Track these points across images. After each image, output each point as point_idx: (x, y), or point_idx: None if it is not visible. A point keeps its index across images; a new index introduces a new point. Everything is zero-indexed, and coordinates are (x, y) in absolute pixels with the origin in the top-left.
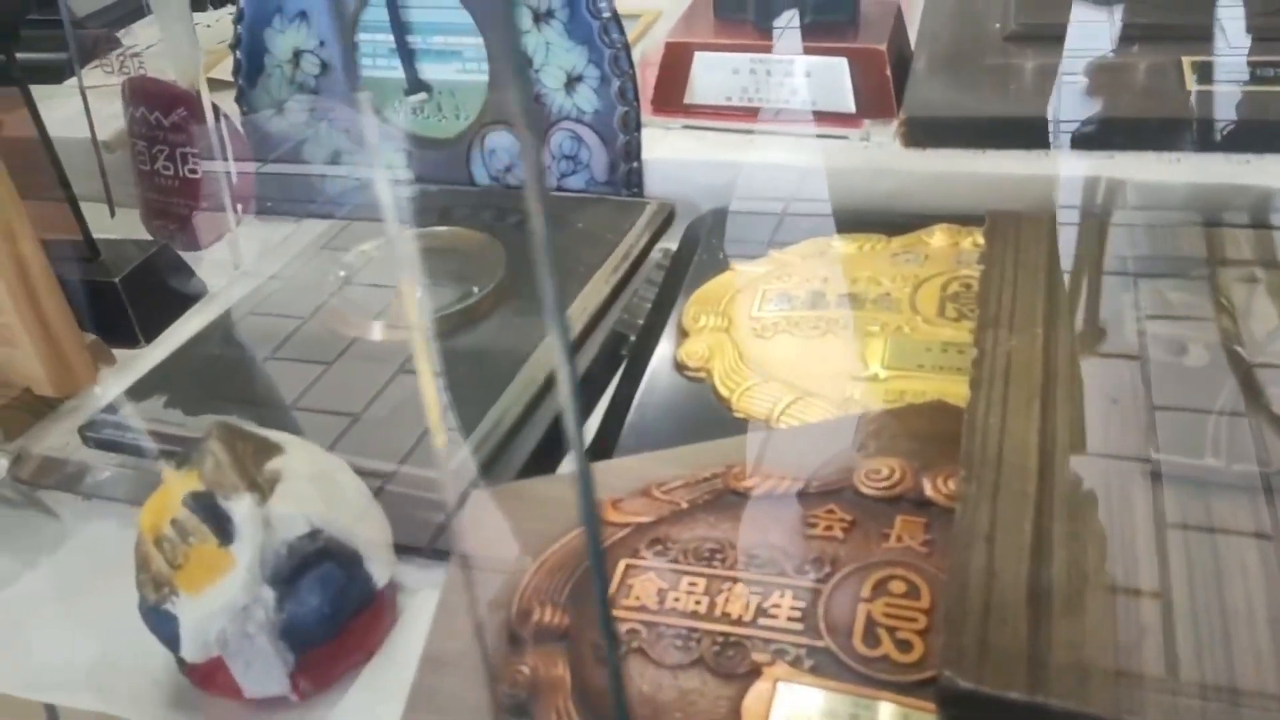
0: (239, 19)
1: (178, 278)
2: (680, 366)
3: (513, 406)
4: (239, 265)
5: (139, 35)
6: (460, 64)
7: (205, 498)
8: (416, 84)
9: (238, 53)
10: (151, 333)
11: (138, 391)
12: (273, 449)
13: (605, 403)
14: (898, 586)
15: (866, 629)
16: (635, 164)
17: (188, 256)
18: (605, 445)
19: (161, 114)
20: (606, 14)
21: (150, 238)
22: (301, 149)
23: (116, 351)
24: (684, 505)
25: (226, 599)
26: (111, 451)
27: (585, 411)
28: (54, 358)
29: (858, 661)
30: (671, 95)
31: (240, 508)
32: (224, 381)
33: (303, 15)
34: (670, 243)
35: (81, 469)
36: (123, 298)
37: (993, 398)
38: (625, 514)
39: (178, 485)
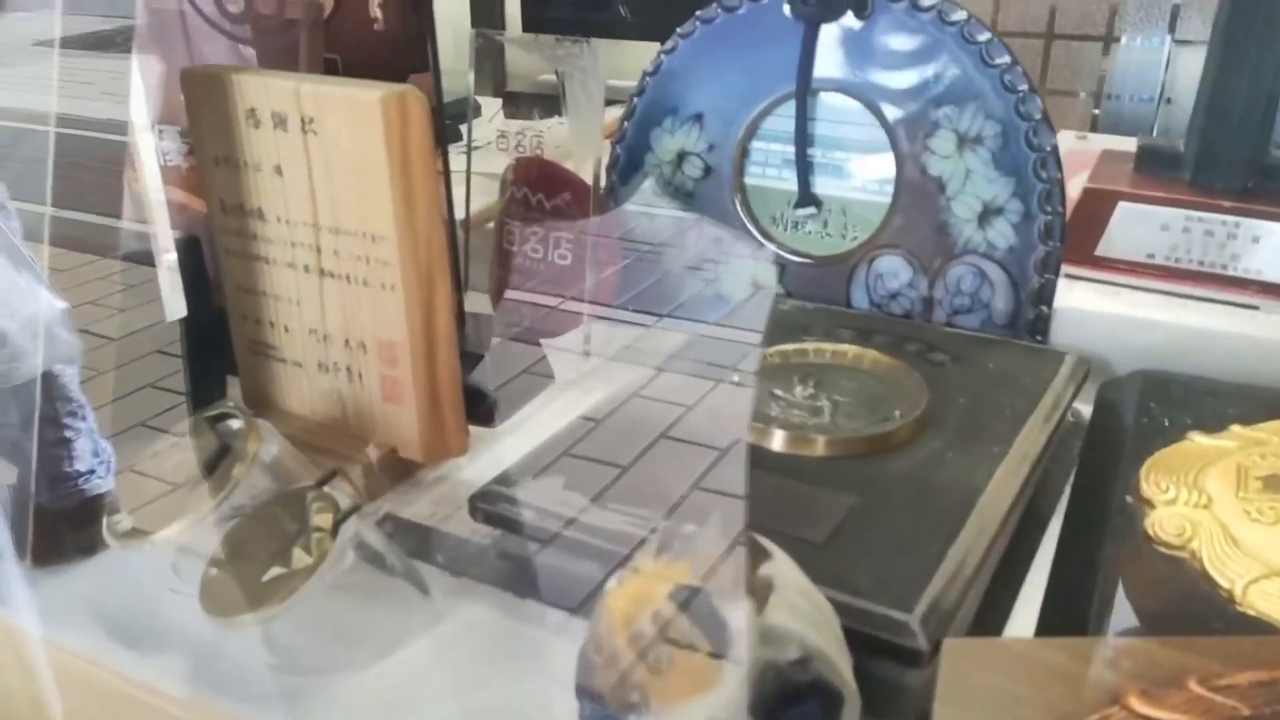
0: (628, 115)
1: (532, 361)
2: (1152, 540)
3: (973, 550)
4: (588, 355)
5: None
6: (860, 182)
7: (703, 597)
8: (807, 198)
9: (618, 148)
10: (506, 413)
11: (527, 467)
12: (762, 553)
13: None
14: None
15: None
16: (1044, 309)
17: None
18: (1066, 618)
19: (545, 196)
20: (1048, 148)
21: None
22: (666, 251)
23: None
24: (1246, 711)
25: None
26: (500, 527)
27: (1022, 572)
28: (434, 423)
29: None
30: (1083, 244)
31: (736, 615)
32: (647, 471)
33: (698, 118)
34: (1080, 402)
35: (454, 541)
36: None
37: None
38: (1167, 710)
39: (660, 575)
